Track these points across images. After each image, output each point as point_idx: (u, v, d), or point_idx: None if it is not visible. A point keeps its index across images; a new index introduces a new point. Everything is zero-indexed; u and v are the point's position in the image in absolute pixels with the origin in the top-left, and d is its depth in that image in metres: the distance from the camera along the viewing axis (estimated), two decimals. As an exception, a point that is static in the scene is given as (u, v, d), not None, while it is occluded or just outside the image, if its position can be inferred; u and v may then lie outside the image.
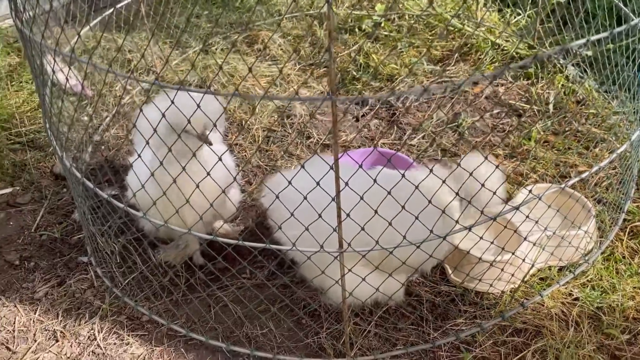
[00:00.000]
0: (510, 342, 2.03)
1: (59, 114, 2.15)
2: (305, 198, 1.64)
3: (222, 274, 2.24)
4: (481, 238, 1.88)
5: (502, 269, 2.06)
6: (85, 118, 3.21)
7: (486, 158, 1.81)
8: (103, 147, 3.09)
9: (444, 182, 1.75)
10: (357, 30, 3.69)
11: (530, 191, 1.87)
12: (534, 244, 2.13)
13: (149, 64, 3.55)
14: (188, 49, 3.70)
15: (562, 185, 1.99)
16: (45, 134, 3.15)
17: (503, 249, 1.97)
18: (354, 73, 3.42)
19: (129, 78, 1.57)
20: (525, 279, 2.20)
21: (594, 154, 2.77)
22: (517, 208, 1.84)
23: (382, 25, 3.62)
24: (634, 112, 2.87)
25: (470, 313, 2.14)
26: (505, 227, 2.10)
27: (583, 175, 1.98)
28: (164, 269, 2.37)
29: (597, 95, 3.12)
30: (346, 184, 1.60)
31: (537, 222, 1.97)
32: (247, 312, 2.19)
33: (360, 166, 1.84)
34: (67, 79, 2.21)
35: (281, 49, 3.69)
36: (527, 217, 1.94)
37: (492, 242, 1.94)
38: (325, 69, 3.54)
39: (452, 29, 3.64)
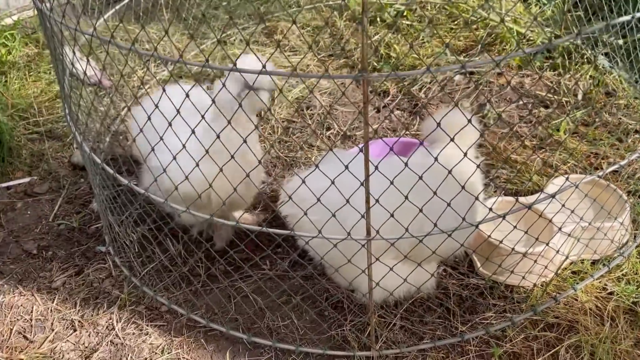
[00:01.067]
0: (543, 337, 1.95)
1: (78, 103, 2.11)
2: (332, 182, 1.57)
3: (244, 264, 2.19)
4: (515, 227, 1.80)
5: (535, 261, 1.97)
6: (103, 109, 3.17)
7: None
8: (121, 136, 3.06)
9: (478, 166, 1.67)
10: (378, 20, 3.62)
11: (567, 179, 1.80)
12: (569, 235, 2.05)
13: (166, 54, 3.51)
14: (206, 40, 3.65)
15: (595, 175, 1.91)
16: (65, 121, 3.13)
17: (537, 239, 1.89)
18: (375, 64, 3.35)
19: (151, 56, 1.51)
20: (558, 272, 2.11)
21: (627, 145, 2.67)
22: (553, 196, 1.76)
23: (405, 14, 3.55)
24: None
25: (500, 307, 2.06)
26: (540, 216, 2.01)
27: (615, 167, 1.90)
28: (184, 258, 2.32)
29: (627, 86, 3.02)
30: (376, 167, 1.53)
31: (572, 211, 1.88)
32: (269, 303, 2.13)
33: (393, 150, 1.77)
34: (85, 70, 2.18)
35: (300, 40, 3.63)
36: (563, 205, 1.86)
37: (525, 232, 1.85)
38: (345, 59, 3.47)
39: (476, 18, 3.55)
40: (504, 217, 1.68)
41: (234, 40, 3.66)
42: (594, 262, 2.18)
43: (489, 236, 2.08)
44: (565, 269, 2.14)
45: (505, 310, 2.04)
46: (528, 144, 2.78)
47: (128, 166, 2.81)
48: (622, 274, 2.12)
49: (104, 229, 2.47)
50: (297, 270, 2.26)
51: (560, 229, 2.01)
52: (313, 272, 2.14)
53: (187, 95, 1.61)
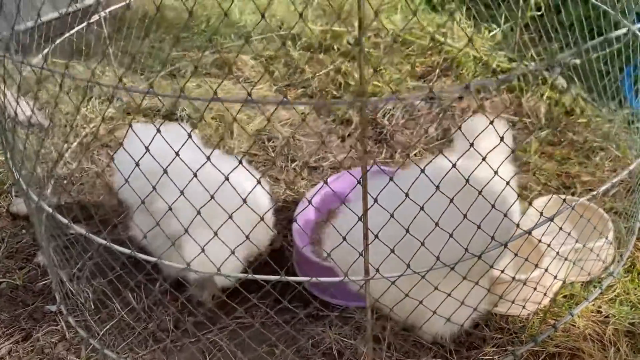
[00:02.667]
0: (547, 369, 1.85)
1: (24, 146, 1.88)
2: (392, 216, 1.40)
3: (219, 312, 1.99)
4: (516, 255, 1.70)
5: (535, 288, 1.88)
6: (44, 150, 2.90)
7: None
8: (65, 181, 2.79)
9: (508, 183, 1.55)
10: (335, 48, 3.54)
11: (564, 200, 1.72)
12: (565, 258, 1.97)
13: (109, 88, 3.28)
14: (153, 74, 3.45)
15: (585, 199, 1.84)
16: (5, 167, 2.83)
17: (537, 265, 1.80)
18: (334, 92, 3.26)
19: (115, 87, 1.33)
20: (555, 298, 2.03)
21: (595, 163, 2.67)
22: (551, 219, 1.67)
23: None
24: (629, 120, 2.82)
25: (498, 339, 1.94)
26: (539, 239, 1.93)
27: (598, 190, 1.84)
28: (149, 312, 2.09)
29: (584, 104, 3.05)
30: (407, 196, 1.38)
31: (569, 233, 1.81)
32: (250, 356, 1.92)
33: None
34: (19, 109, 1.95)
35: (254, 71, 3.49)
36: (561, 228, 1.77)
37: (526, 259, 1.76)
38: (302, 89, 3.36)
39: (433, 44, 3.54)
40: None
41: (184, 72, 3.48)
42: (582, 285, 2.12)
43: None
44: (559, 293, 2.06)
45: (504, 343, 1.93)
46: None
47: (76, 212, 2.55)
48: (615, 295, 2.06)
49: (54, 286, 2.20)
50: (280, 315, 2.07)
51: (557, 252, 1.92)
52: (298, 314, 1.96)
53: (190, 136, 1.44)
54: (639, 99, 2.96)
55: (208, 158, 1.47)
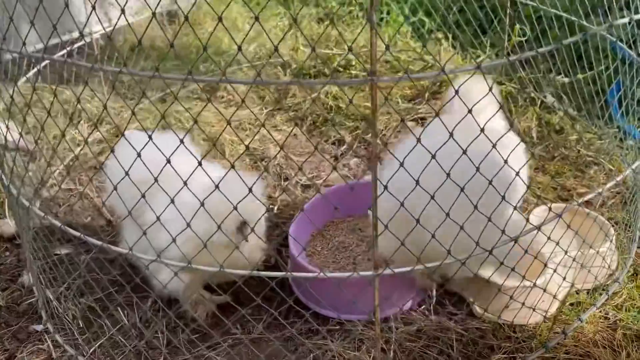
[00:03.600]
0: (559, 376, 1.78)
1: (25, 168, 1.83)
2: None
3: (211, 330, 1.89)
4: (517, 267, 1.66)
5: (544, 293, 1.83)
6: (30, 173, 2.82)
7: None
8: (52, 202, 2.71)
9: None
10: (325, 72, 3.56)
11: (550, 208, 1.69)
12: (570, 266, 1.93)
13: (95, 116, 3.24)
14: (144, 99, 3.42)
15: (578, 202, 1.81)
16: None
17: (545, 265, 1.75)
18: (326, 115, 3.25)
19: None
20: (556, 305, 1.98)
21: (590, 176, 2.67)
22: (538, 228, 1.64)
23: (354, 64, 3.51)
24: (616, 137, 2.86)
25: (507, 348, 1.88)
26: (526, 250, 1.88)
27: (588, 197, 1.82)
28: (139, 329, 1.98)
29: (573, 122, 3.08)
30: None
31: (576, 234, 1.78)
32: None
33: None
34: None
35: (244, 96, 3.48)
36: (567, 234, 1.74)
37: (532, 265, 1.71)
38: (294, 112, 3.35)
39: (423, 67, 3.58)
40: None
41: (174, 97, 3.45)
42: (588, 292, 2.08)
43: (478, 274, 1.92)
44: (566, 300, 2.01)
45: (513, 351, 1.86)
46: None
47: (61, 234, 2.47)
48: (622, 301, 2.02)
49: (40, 304, 2.09)
50: (274, 331, 1.99)
51: (570, 256, 1.88)
52: (293, 333, 1.88)
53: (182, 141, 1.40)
54: (625, 117, 3.01)
55: (200, 163, 1.42)
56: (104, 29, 1.80)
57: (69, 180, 2.87)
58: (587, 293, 2.07)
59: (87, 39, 3.18)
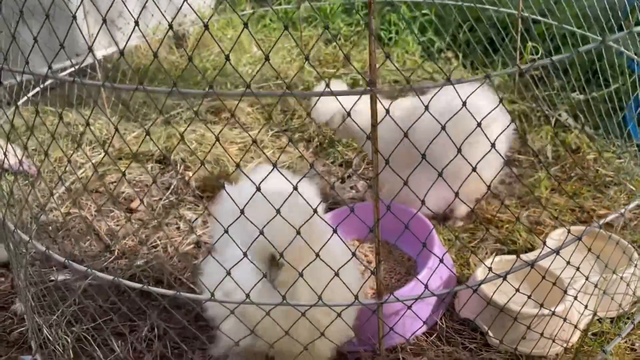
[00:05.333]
0: (584, 414, 1.64)
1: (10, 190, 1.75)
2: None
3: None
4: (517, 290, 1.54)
5: (564, 321, 1.69)
6: (30, 197, 2.75)
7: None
8: (50, 227, 2.63)
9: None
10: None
11: (569, 230, 1.56)
12: (592, 293, 1.79)
13: (103, 136, 3.19)
14: (147, 121, 3.37)
15: (599, 224, 1.68)
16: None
17: (565, 292, 1.62)
18: (332, 136, 3.16)
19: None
20: (578, 335, 1.84)
21: (610, 197, 2.54)
22: (557, 252, 1.51)
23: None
24: (637, 155, 2.73)
25: (525, 382, 1.74)
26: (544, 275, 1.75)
27: (610, 218, 1.69)
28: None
29: (590, 141, 2.96)
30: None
31: (597, 258, 1.65)
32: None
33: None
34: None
35: (250, 117, 3.42)
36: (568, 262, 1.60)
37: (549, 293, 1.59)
38: (299, 134, 3.27)
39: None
40: (504, 277, 1.41)
41: (179, 119, 3.40)
42: (613, 320, 1.94)
43: (505, 304, 1.79)
44: (588, 330, 1.87)
45: (532, 386, 1.72)
46: (508, 203, 2.59)
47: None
48: (648, 330, 1.88)
49: (30, 334, 2.00)
50: None
51: (591, 282, 1.74)
52: None
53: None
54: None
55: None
56: (118, 47, 1.70)
57: (69, 204, 2.80)
58: (611, 322, 1.93)
59: (91, 60, 3.14)
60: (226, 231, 1.26)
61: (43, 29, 1.42)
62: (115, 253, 2.47)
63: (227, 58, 1.19)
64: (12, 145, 2.49)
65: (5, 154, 1.80)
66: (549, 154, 2.90)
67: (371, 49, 1.08)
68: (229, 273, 1.29)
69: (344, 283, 1.31)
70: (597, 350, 1.80)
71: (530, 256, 2.05)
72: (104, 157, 2.97)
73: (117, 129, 1.39)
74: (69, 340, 1.92)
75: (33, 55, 1.45)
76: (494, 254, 2.17)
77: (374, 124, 1.14)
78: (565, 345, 1.80)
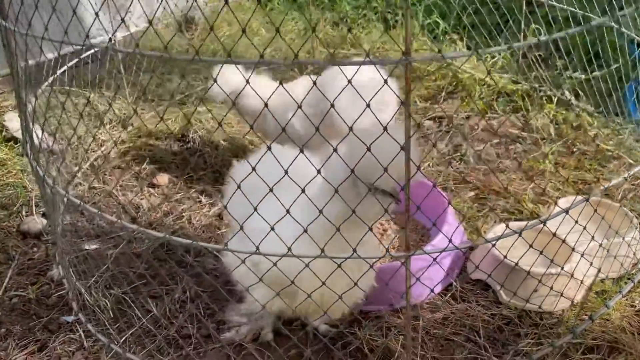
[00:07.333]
0: (587, 361, 1.79)
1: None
2: None
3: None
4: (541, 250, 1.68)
5: (571, 278, 1.84)
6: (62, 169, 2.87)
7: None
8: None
9: None
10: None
11: (578, 194, 1.69)
12: (603, 246, 1.93)
13: (122, 115, 3.30)
14: (164, 102, 3.48)
15: (604, 187, 1.81)
16: (13, 187, 2.80)
17: (576, 250, 1.76)
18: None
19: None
20: (582, 294, 1.99)
21: (610, 170, 2.69)
22: (566, 211, 1.63)
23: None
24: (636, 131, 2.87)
25: (533, 334, 1.89)
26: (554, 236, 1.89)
27: (613, 183, 1.82)
28: (169, 319, 2.01)
29: (591, 119, 3.10)
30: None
31: (602, 219, 1.79)
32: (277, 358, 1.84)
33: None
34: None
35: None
36: (579, 223, 1.73)
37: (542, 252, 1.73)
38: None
39: (438, 67, 3.61)
40: (520, 233, 1.54)
41: (193, 100, 3.51)
42: (614, 280, 2.08)
43: (516, 263, 1.93)
44: (592, 288, 2.02)
45: (540, 337, 1.87)
46: (515, 176, 2.73)
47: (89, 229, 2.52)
48: (647, 288, 2.03)
49: (71, 296, 2.13)
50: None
51: (598, 242, 1.89)
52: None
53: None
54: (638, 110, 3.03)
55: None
56: (129, 32, 1.81)
57: (93, 179, 2.92)
58: (613, 281, 2.08)
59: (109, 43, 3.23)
60: (271, 190, 1.39)
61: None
62: (142, 225, 2.60)
63: (244, 30, 1.30)
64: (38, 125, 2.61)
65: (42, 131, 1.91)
66: (552, 131, 3.04)
67: (407, 19, 1.20)
68: (273, 229, 1.42)
69: (375, 236, 1.44)
70: (599, 306, 1.95)
71: (535, 222, 2.19)
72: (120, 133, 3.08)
73: (136, 111, 1.50)
74: (108, 303, 2.06)
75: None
76: (502, 222, 2.30)
77: (408, 91, 1.27)
78: (572, 301, 1.94)
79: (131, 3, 2.39)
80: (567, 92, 3.21)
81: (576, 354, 1.81)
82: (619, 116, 3.00)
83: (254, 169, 1.39)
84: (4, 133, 3.12)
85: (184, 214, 2.64)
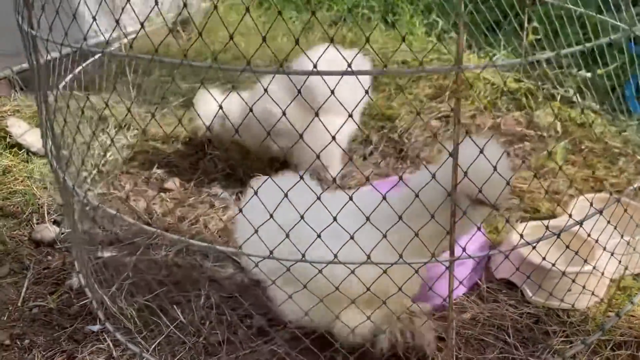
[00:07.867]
0: (618, 358, 1.82)
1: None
2: None
3: (269, 327, 1.93)
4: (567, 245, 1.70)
5: (602, 275, 1.88)
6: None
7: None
8: (88, 207, 2.71)
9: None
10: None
11: (615, 196, 1.72)
12: (630, 245, 1.97)
13: (127, 120, 3.26)
14: (168, 104, 3.45)
15: (625, 192, 1.85)
16: (19, 195, 2.75)
17: (606, 249, 1.80)
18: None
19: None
20: (605, 290, 2.03)
21: (619, 167, 2.74)
22: (600, 212, 1.67)
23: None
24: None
25: (562, 332, 1.92)
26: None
27: (626, 192, 1.87)
28: (198, 327, 2.00)
29: (595, 116, 3.15)
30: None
31: (631, 218, 1.82)
32: (313, 362, 1.85)
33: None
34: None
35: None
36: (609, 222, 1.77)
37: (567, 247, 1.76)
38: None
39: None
40: (558, 235, 1.57)
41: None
42: (634, 277, 2.13)
43: (544, 258, 1.96)
44: (612, 287, 2.06)
45: (569, 335, 1.90)
46: (524, 175, 2.77)
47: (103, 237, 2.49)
48: (670, 284, 2.08)
49: (95, 305, 2.10)
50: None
51: (625, 240, 1.92)
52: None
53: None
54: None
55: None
56: (125, 36, 1.79)
57: (101, 184, 2.88)
58: (634, 278, 2.12)
59: (116, 45, 3.20)
60: (318, 198, 1.40)
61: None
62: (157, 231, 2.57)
63: (231, 37, 1.33)
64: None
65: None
66: (558, 128, 3.09)
67: (460, 29, 1.21)
68: (352, 237, 1.43)
69: (422, 242, 1.46)
70: (624, 303, 1.99)
71: (557, 222, 2.23)
72: (136, 141, 3.04)
73: (154, 116, 1.50)
74: (132, 312, 2.04)
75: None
76: (523, 222, 2.33)
77: (459, 98, 1.28)
78: (599, 297, 1.98)
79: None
80: (570, 90, 3.26)
81: (605, 350, 1.85)
82: (623, 114, 3.06)
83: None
84: (7, 139, 3.06)
85: (199, 219, 2.62)
